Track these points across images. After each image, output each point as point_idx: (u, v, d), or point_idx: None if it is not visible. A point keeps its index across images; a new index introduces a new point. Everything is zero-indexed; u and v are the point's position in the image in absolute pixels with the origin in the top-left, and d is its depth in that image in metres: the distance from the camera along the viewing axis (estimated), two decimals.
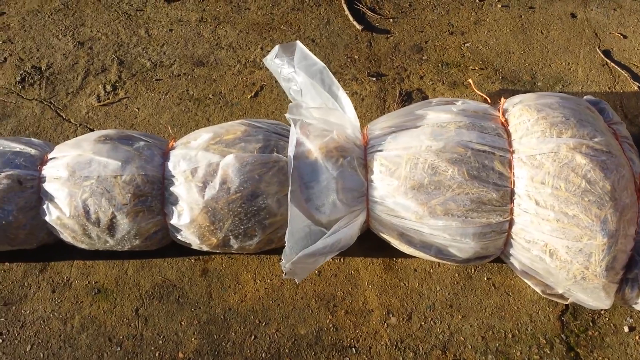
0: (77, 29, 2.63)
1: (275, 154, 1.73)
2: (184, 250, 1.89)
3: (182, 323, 1.77)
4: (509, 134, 1.72)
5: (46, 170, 1.75)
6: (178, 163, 1.73)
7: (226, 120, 2.29)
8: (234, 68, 2.48)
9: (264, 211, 1.70)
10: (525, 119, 1.71)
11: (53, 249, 1.90)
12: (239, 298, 1.83)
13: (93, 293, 1.84)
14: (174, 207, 1.72)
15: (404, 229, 1.72)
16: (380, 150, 1.74)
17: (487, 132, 1.70)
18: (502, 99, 1.83)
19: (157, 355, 1.71)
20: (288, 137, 1.81)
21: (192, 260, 1.91)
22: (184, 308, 1.81)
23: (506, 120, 1.75)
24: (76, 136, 2.23)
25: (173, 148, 1.81)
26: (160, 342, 1.74)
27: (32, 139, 1.89)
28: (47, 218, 1.73)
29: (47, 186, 1.72)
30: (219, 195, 1.67)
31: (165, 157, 1.78)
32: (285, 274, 1.61)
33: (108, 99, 2.35)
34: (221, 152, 1.72)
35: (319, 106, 1.83)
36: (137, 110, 2.32)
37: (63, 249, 1.90)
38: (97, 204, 1.69)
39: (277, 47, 2.06)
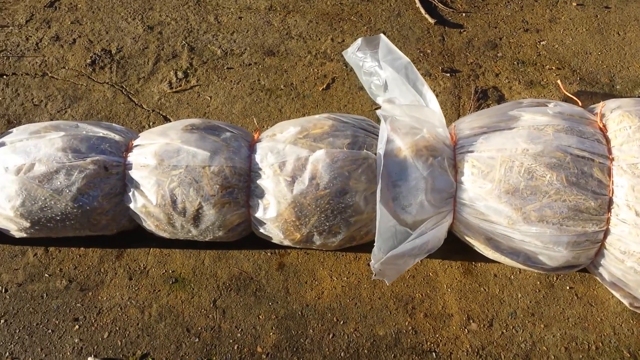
0: (145, 12, 2.60)
1: (364, 150, 1.69)
2: (260, 242, 1.87)
3: (260, 317, 1.76)
4: (607, 140, 1.65)
5: (132, 157, 1.73)
6: (265, 156, 1.71)
7: (298, 112, 2.26)
8: (304, 59, 2.44)
9: (350, 209, 1.67)
10: (626, 125, 1.64)
11: (129, 235, 1.90)
12: (316, 294, 1.80)
13: (170, 282, 1.83)
14: (259, 200, 1.70)
15: (493, 233, 1.67)
16: (471, 151, 1.69)
17: (586, 137, 1.64)
18: (602, 102, 1.76)
19: (235, 348, 1.70)
20: (375, 133, 1.77)
21: (269, 254, 1.89)
22: (261, 302, 1.79)
23: (604, 125, 1.69)
24: (149, 122, 2.21)
25: (259, 140, 1.78)
26: (239, 335, 1.72)
27: (113, 124, 1.88)
28: (131, 205, 1.72)
29: (134, 173, 1.71)
30: (307, 190, 1.64)
31: (252, 149, 1.75)
32: (375, 275, 1.58)
33: (180, 85, 2.33)
34: (309, 147, 1.68)
35: (409, 103, 1.79)
36: (209, 98, 2.30)
37: (139, 236, 1.89)
38: (184, 194, 1.67)
39: (359, 40, 2.02)
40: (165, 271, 1.85)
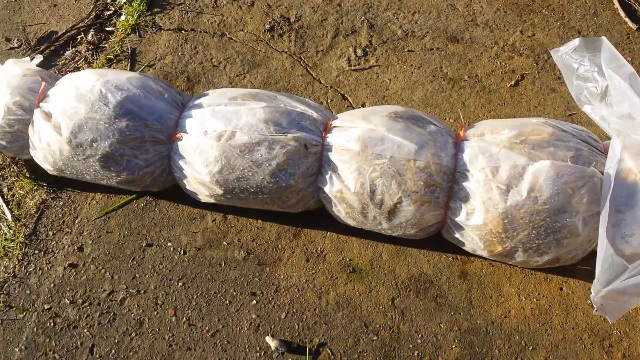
0: None
1: (591, 167, 1.53)
2: (442, 244, 1.76)
3: (441, 325, 1.66)
4: None
5: (332, 139, 1.65)
6: (475, 157, 1.58)
7: (484, 107, 2.11)
8: (491, 50, 2.28)
9: (566, 229, 1.52)
10: None
11: (306, 215, 1.84)
12: (502, 312, 1.68)
13: (348, 271, 1.76)
14: (462, 204, 1.58)
15: None
16: None
17: None
18: None
19: (415, 354, 1.61)
20: (597, 148, 1.60)
21: (450, 259, 1.78)
22: (442, 309, 1.69)
23: None
24: (327, 99, 2.13)
25: (465, 138, 1.65)
26: (419, 341, 1.63)
27: (306, 99, 1.81)
28: (326, 188, 1.65)
29: (333, 156, 1.63)
30: (524, 203, 1.50)
31: (457, 147, 1.63)
32: (595, 310, 1.44)
33: (359, 64, 2.23)
34: (528, 155, 1.54)
35: None
36: (388, 81, 2.18)
37: (317, 217, 1.83)
38: (385, 186, 1.58)
39: (577, 40, 1.82)
40: (342, 259, 1.78)
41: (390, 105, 1.77)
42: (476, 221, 1.57)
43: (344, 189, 1.62)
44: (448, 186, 1.60)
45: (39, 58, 1.94)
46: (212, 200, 1.76)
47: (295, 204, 1.73)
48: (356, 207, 1.64)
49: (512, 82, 2.18)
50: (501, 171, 1.54)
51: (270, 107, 1.69)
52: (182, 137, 1.69)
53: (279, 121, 1.66)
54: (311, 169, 1.66)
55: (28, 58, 1.93)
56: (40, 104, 1.75)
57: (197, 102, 1.76)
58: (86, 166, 1.72)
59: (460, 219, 1.60)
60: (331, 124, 1.71)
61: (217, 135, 1.64)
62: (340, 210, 1.68)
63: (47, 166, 1.78)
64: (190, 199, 1.84)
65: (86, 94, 1.68)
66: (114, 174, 1.73)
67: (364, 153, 1.60)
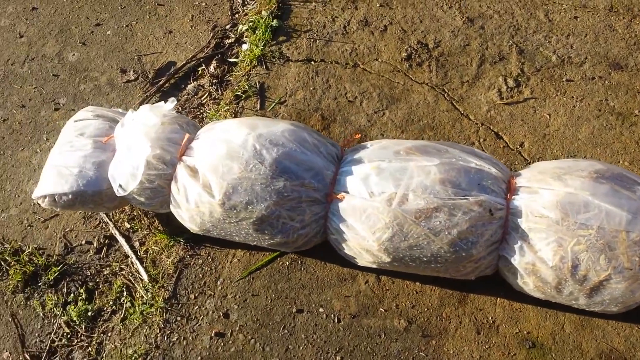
0: (463, 1, 2.27)
1: None
2: (630, 313, 1.53)
3: None
4: None
5: (520, 202, 1.44)
6: None
7: None
8: None
9: None
10: None
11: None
12: None
13: (527, 346, 1.55)
14: None
15: None
16: None
17: None
18: None
19: None
20: None
21: None
22: None
23: None
24: (478, 137, 1.91)
25: None
26: None
27: (476, 149, 1.60)
28: (513, 259, 1.44)
29: (524, 223, 1.42)
30: None
31: None
32: None
33: (511, 96, 2.00)
34: None
35: None
36: (547, 116, 1.94)
37: (484, 281, 1.62)
38: (591, 261, 1.36)
39: None
40: (519, 331, 1.58)
41: (585, 159, 1.53)
42: None
43: (537, 261, 1.41)
44: None
45: (173, 101, 1.79)
46: (373, 266, 1.58)
47: (469, 273, 1.53)
48: (550, 281, 1.42)
49: None
50: None
51: (445, 164, 1.48)
52: (344, 197, 1.51)
53: (457, 181, 1.45)
54: (495, 237, 1.45)
55: (162, 102, 1.79)
56: (183, 157, 1.61)
57: (355, 156, 1.57)
58: (238, 229, 1.57)
59: None
60: (515, 183, 1.49)
61: (386, 199, 1.46)
62: (527, 283, 1.47)
63: (192, 226, 1.64)
64: (338, 257, 1.67)
65: (239, 149, 1.53)
66: (267, 237, 1.58)
67: (564, 222, 1.38)
